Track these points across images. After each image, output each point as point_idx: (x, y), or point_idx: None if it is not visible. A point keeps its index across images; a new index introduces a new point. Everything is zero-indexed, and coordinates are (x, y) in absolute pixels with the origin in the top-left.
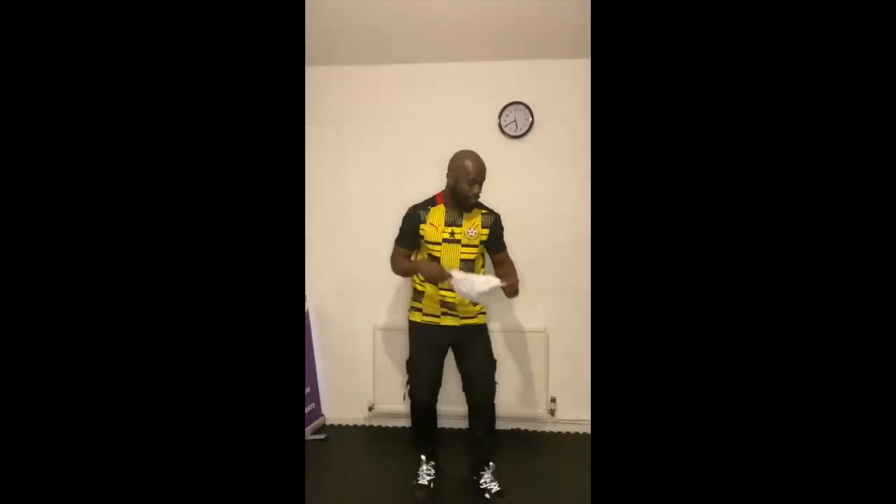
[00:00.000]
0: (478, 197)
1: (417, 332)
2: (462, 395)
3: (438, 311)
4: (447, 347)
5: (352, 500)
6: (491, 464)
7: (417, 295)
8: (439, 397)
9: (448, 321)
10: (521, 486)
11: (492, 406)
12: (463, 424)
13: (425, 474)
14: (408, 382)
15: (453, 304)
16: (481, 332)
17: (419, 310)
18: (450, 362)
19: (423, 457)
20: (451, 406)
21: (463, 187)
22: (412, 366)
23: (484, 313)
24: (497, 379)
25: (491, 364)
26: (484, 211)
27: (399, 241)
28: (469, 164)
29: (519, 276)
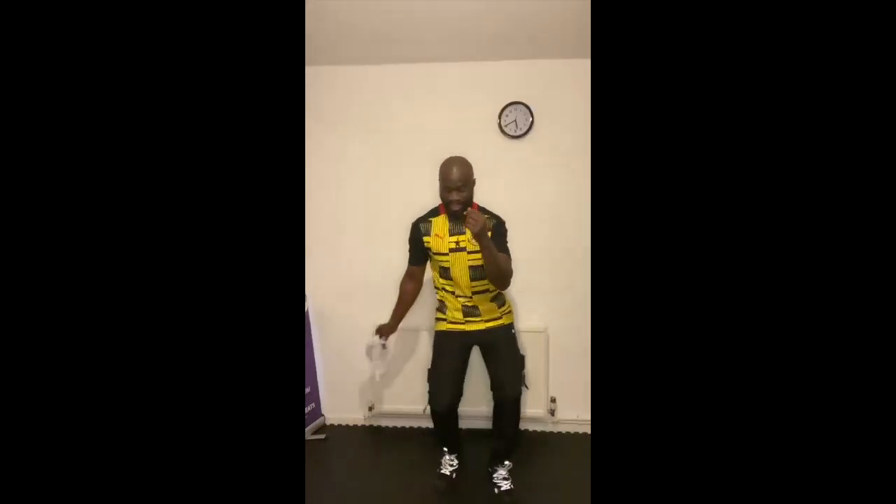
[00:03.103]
0: (460, 204)
1: (440, 341)
2: (485, 396)
3: (462, 318)
4: (469, 352)
5: (352, 500)
6: (507, 462)
7: (441, 306)
8: (463, 399)
9: (472, 326)
10: (522, 485)
11: (516, 407)
12: (485, 425)
13: (447, 464)
14: (428, 392)
15: (476, 307)
16: (507, 331)
17: (444, 319)
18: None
19: (445, 448)
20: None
21: (443, 195)
22: (433, 376)
23: (510, 313)
24: (525, 379)
25: (518, 364)
26: (486, 216)
27: (409, 260)
28: (447, 170)
29: (518, 276)
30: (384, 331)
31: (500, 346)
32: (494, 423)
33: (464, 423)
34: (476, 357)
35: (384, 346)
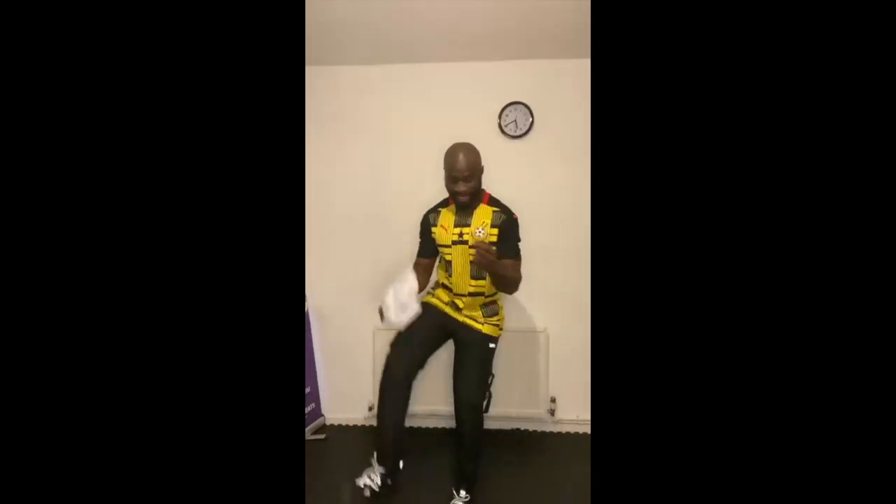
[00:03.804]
0: (466, 195)
1: (423, 308)
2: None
3: (445, 301)
4: (445, 333)
5: (352, 500)
6: (464, 493)
7: (437, 285)
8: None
9: (452, 312)
10: (522, 485)
11: (474, 417)
12: (449, 423)
13: (367, 477)
14: (389, 351)
15: (459, 308)
16: (484, 341)
17: (431, 293)
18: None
19: (374, 454)
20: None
21: (448, 185)
22: (400, 334)
23: (495, 325)
24: (487, 402)
25: (482, 376)
26: (496, 209)
27: (418, 252)
28: (452, 158)
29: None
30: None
31: (470, 350)
32: (456, 441)
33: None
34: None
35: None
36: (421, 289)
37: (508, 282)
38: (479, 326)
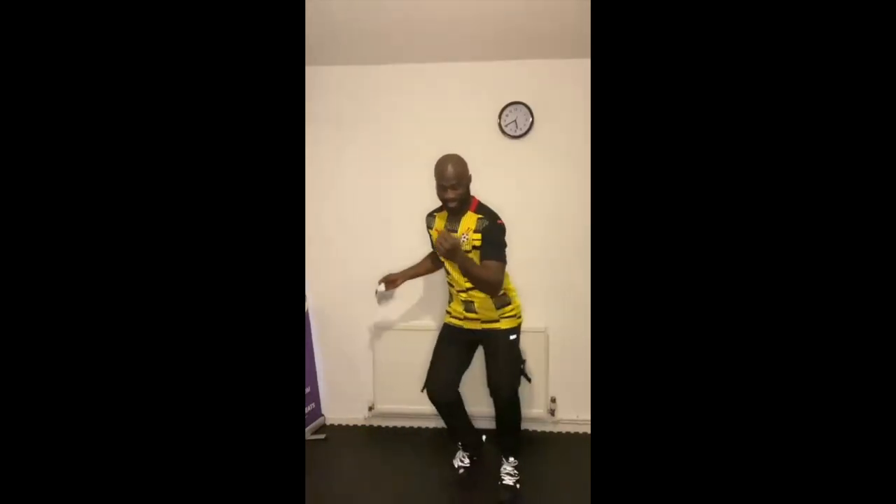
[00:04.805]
0: (454, 202)
1: (444, 331)
2: (485, 397)
3: (462, 314)
4: (471, 347)
5: (352, 500)
6: (512, 459)
7: (449, 297)
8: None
9: (470, 325)
10: (522, 485)
11: (510, 406)
12: (489, 424)
13: (459, 459)
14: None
15: (472, 302)
16: (505, 337)
17: (449, 312)
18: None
19: (459, 443)
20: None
21: (439, 193)
22: (431, 361)
23: (512, 316)
24: (526, 379)
25: (514, 368)
26: (480, 216)
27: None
28: (442, 169)
29: (518, 276)
30: (389, 279)
31: (496, 351)
32: (496, 421)
33: (439, 423)
34: (478, 358)
35: (386, 290)
36: (429, 269)
37: (481, 283)
38: (496, 326)
